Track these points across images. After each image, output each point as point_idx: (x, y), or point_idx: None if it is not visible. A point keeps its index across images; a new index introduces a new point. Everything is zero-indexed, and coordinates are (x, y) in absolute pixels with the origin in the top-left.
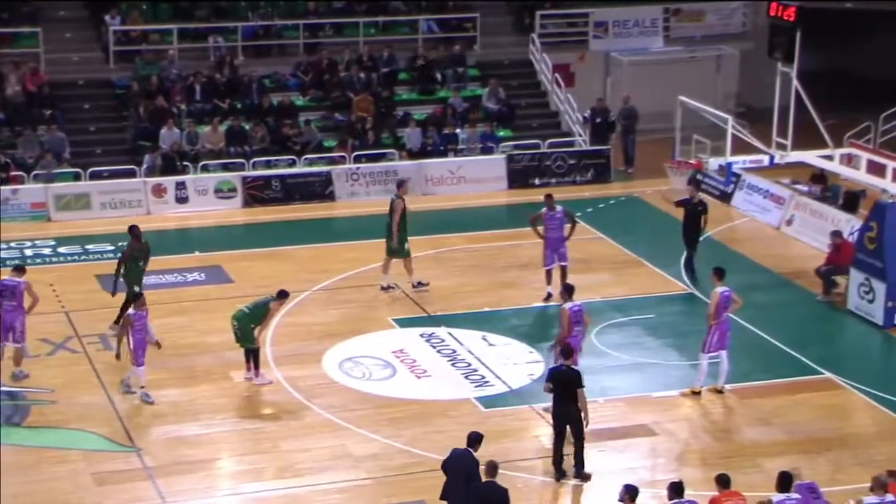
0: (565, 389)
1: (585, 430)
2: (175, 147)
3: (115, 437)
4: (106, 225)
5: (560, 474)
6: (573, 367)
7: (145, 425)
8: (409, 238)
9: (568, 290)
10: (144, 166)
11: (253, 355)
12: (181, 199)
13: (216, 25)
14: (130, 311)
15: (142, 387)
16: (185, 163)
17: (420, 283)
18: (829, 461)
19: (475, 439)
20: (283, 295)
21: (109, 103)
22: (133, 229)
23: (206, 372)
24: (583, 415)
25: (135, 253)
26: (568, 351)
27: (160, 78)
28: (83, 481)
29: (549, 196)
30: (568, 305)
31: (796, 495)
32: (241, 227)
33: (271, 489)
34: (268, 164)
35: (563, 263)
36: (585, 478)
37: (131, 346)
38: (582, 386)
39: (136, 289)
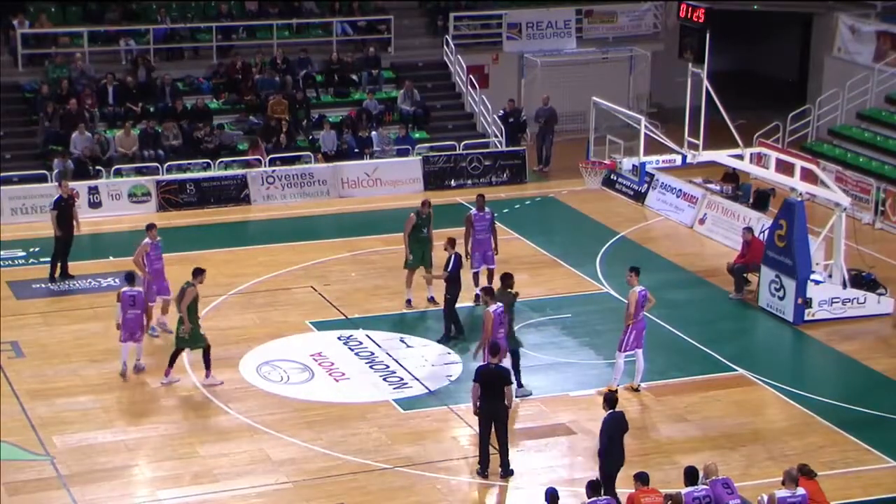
0: (493, 387)
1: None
2: (87, 151)
3: (27, 445)
4: (16, 231)
5: (485, 471)
6: (500, 364)
7: (58, 433)
8: (412, 249)
9: (487, 293)
10: (55, 171)
11: (205, 355)
12: (94, 204)
13: (127, 28)
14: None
15: None
16: (98, 167)
17: (430, 299)
18: (743, 456)
19: (614, 399)
20: (196, 273)
21: (18, 107)
22: (506, 277)
23: (121, 378)
24: (507, 402)
25: (512, 301)
26: (495, 349)
27: (71, 81)
28: None
29: (480, 196)
30: (492, 308)
31: (704, 487)
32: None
33: (189, 495)
34: (182, 168)
35: (490, 267)
36: (509, 475)
37: None
38: (511, 383)
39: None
